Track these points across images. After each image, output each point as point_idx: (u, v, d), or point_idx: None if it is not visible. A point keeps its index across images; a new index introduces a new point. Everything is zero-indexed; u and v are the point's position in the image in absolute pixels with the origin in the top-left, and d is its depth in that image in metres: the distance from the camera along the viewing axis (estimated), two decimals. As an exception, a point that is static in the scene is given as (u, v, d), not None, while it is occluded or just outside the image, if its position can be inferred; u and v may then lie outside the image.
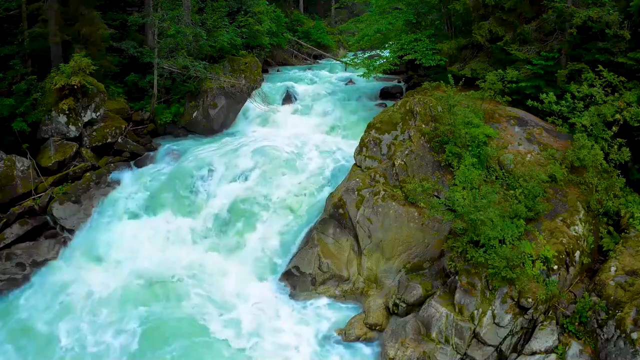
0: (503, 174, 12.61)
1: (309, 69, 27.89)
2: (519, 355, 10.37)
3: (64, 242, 14.44)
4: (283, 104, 21.73)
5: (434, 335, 10.67)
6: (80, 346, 11.65)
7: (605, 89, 13.15)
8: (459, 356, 10.46)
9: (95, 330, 11.98)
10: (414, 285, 11.91)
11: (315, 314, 12.44)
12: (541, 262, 10.82)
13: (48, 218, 14.82)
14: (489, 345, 10.38)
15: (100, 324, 12.16)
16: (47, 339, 11.87)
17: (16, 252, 13.77)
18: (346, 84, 23.93)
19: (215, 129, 19.53)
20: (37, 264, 13.77)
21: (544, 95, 13.60)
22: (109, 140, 17.18)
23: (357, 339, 11.54)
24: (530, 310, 10.46)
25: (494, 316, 10.44)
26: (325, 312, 12.47)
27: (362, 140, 14.75)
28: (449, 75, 14.68)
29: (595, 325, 10.04)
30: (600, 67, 13.24)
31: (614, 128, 12.76)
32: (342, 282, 12.94)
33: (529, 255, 10.76)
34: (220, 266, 13.95)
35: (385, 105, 19.71)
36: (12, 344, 11.79)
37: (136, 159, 17.31)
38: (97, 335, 11.88)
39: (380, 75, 21.82)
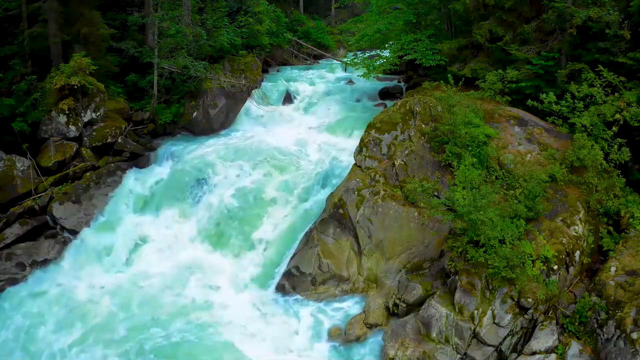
0: (503, 174, 12.61)
1: (309, 69, 27.87)
2: (519, 355, 10.36)
3: (64, 242, 14.43)
4: (283, 103, 21.73)
5: (434, 335, 10.67)
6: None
7: (605, 89, 13.15)
8: (459, 356, 10.45)
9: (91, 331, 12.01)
10: (414, 285, 11.91)
11: (315, 314, 12.42)
12: (541, 262, 10.82)
13: (48, 218, 14.81)
14: (489, 345, 10.38)
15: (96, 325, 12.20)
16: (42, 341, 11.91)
17: (16, 252, 13.77)
18: (346, 84, 23.91)
19: (215, 128, 19.52)
20: (37, 264, 13.76)
21: (544, 95, 13.60)
22: (109, 140, 17.16)
23: (357, 339, 11.53)
24: (530, 310, 10.46)
25: (494, 316, 10.44)
26: (325, 312, 12.46)
27: (362, 140, 14.75)
28: (449, 75, 14.69)
29: (595, 325, 10.04)
30: (600, 67, 13.24)
31: (614, 128, 12.77)
32: (342, 282, 12.94)
33: (529, 255, 10.75)
34: (219, 265, 13.97)
35: (385, 105, 19.70)
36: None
37: (136, 159, 17.27)
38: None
39: (380, 75, 21.81)
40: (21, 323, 12.31)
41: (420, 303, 11.55)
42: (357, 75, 23.16)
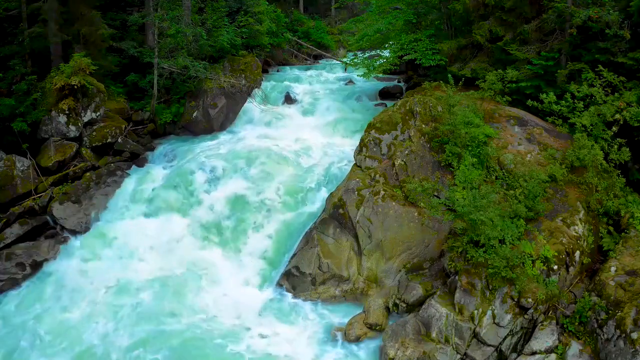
0: (503, 174, 12.61)
1: (309, 69, 27.88)
2: (519, 355, 10.37)
3: (64, 242, 14.41)
4: (283, 104, 21.73)
5: (434, 335, 10.67)
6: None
7: (605, 89, 13.15)
8: (459, 356, 10.46)
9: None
10: (414, 285, 11.92)
11: (315, 314, 12.43)
12: (541, 262, 10.82)
13: (48, 218, 14.80)
14: (489, 345, 10.38)
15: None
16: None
17: (16, 252, 13.72)
18: (346, 84, 23.92)
19: (215, 128, 19.53)
20: (37, 264, 13.73)
21: (544, 95, 13.60)
22: (109, 140, 17.18)
23: (357, 339, 11.52)
24: (530, 310, 10.47)
25: (494, 316, 10.45)
26: (325, 312, 12.47)
27: (362, 140, 14.75)
28: (449, 75, 14.70)
29: (595, 325, 10.04)
30: (600, 67, 13.24)
31: (614, 128, 12.76)
32: (342, 282, 12.94)
33: (529, 255, 10.76)
34: (219, 265, 13.93)
35: (385, 105, 19.70)
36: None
37: (136, 158, 17.31)
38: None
39: (380, 75, 21.81)
40: (11, 342, 11.71)
41: (420, 303, 11.56)
42: (357, 75, 23.21)
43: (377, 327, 11.62)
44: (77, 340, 11.59)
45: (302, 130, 19.35)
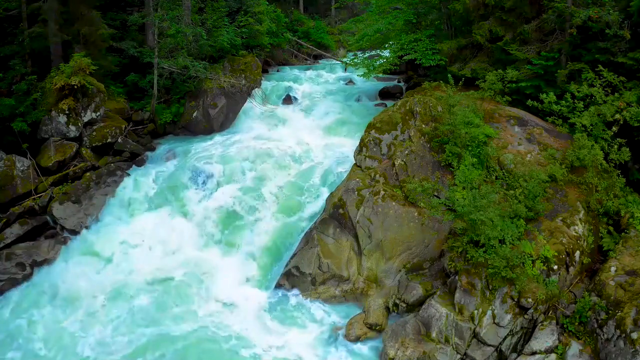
0: (503, 174, 12.61)
1: (309, 69, 27.90)
2: (519, 355, 10.37)
3: (64, 242, 14.40)
4: (283, 104, 21.75)
5: (434, 335, 10.67)
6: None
7: (605, 89, 13.15)
8: (459, 356, 10.46)
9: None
10: (414, 285, 11.92)
11: (316, 314, 12.43)
12: (541, 262, 10.83)
13: (48, 218, 14.79)
14: (489, 345, 10.38)
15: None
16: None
17: (16, 252, 13.71)
18: (346, 84, 23.95)
19: (215, 129, 19.53)
20: (37, 264, 13.72)
21: (544, 95, 13.61)
22: (109, 140, 17.18)
23: (357, 339, 11.53)
24: (530, 310, 10.47)
25: (494, 316, 10.45)
26: (325, 312, 12.47)
27: (362, 140, 14.75)
28: (449, 75, 14.71)
29: (595, 325, 10.04)
30: (600, 67, 13.24)
31: (614, 128, 12.76)
32: (342, 282, 12.94)
33: (529, 255, 10.76)
34: (218, 266, 13.92)
35: (385, 105, 19.71)
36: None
37: (136, 159, 17.29)
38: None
39: (380, 75, 21.83)
40: (2, 349, 11.54)
41: (420, 303, 11.57)
42: (357, 75, 23.23)
43: (377, 327, 11.63)
44: (71, 350, 11.45)
45: (302, 131, 19.34)
